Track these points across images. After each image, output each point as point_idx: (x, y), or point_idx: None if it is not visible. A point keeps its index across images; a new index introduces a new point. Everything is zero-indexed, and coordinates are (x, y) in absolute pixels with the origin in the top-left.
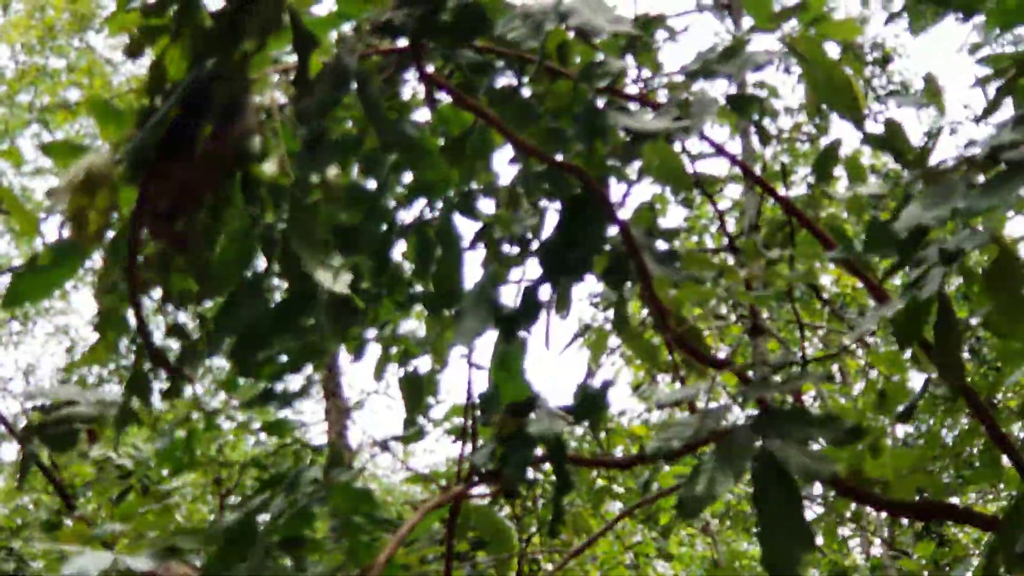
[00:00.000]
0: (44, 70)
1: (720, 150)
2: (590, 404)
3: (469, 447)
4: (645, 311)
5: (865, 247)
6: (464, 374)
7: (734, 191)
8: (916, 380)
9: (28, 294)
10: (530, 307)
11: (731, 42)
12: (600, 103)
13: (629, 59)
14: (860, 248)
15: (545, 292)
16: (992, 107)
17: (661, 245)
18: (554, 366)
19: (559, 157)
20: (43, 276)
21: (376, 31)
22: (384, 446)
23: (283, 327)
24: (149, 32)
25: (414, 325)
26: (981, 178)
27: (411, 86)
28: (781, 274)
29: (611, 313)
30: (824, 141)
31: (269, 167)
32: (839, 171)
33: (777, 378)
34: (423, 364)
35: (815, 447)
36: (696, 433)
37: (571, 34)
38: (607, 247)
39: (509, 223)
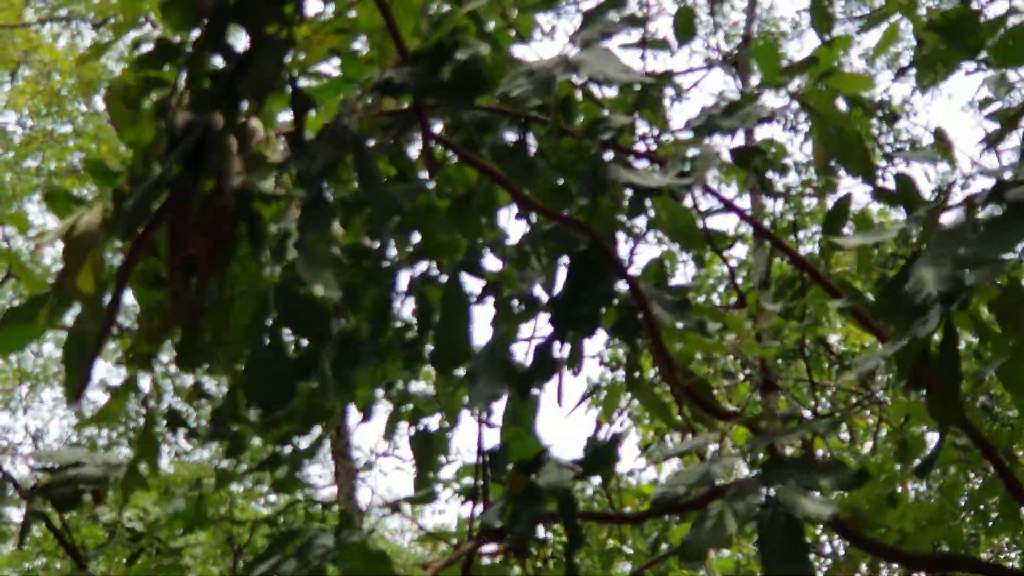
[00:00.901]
0: (51, 135)
1: (729, 205)
2: (600, 457)
3: (480, 507)
4: (656, 368)
5: (876, 311)
6: (475, 432)
7: (741, 251)
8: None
9: (6, 344)
10: (543, 365)
11: (739, 97)
12: (605, 158)
13: (636, 116)
14: (869, 300)
15: (557, 349)
16: (997, 138)
17: (670, 296)
18: (563, 423)
19: (564, 213)
20: (17, 329)
21: (378, 90)
22: (396, 508)
23: (297, 384)
24: (146, 84)
25: (424, 385)
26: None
27: (418, 146)
28: (790, 325)
29: (621, 373)
30: (833, 198)
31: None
32: (849, 228)
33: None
34: (434, 423)
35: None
36: (703, 481)
37: (577, 92)
38: (615, 302)
39: (517, 280)
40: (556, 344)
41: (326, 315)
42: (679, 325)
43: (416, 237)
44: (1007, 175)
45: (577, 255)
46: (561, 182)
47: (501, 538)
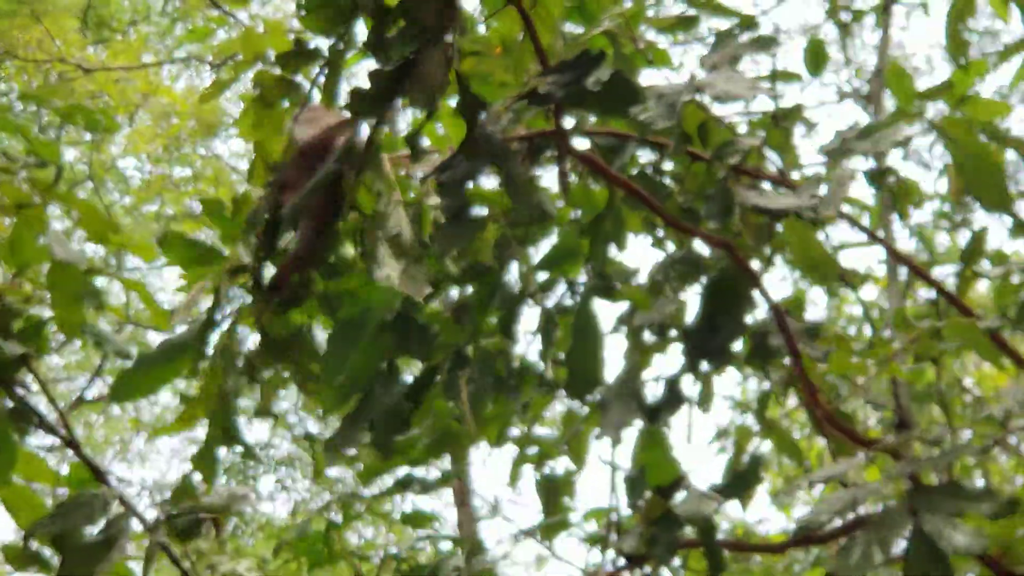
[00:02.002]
0: (170, 179)
1: (867, 232)
2: (742, 481)
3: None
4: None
5: (1022, 310)
6: (601, 476)
7: (871, 292)
8: None
9: (135, 390)
10: (673, 397)
11: (873, 123)
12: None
13: (764, 141)
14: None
15: (688, 382)
16: None
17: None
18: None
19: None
20: (150, 373)
21: (522, 100)
22: (528, 534)
23: (416, 405)
24: (283, 85)
25: (549, 430)
26: None
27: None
28: (932, 344)
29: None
30: (966, 233)
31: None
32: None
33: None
34: (559, 466)
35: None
36: (849, 508)
37: (713, 111)
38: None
39: (650, 309)
40: (687, 376)
41: (434, 336)
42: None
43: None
44: None
45: (712, 282)
46: (691, 206)
47: (639, 564)
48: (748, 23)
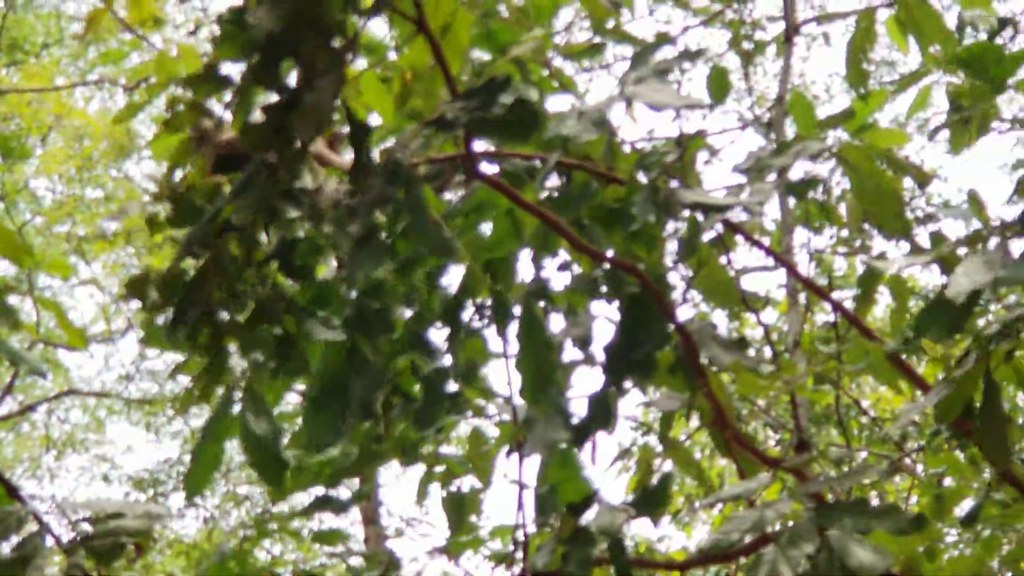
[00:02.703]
0: (82, 200)
1: (772, 254)
2: (651, 498)
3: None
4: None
5: (917, 328)
6: (507, 494)
7: (771, 316)
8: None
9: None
10: (601, 414)
11: (785, 141)
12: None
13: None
14: (911, 335)
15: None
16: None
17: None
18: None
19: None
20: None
21: (430, 126)
22: (438, 553)
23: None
24: (193, 109)
25: (455, 448)
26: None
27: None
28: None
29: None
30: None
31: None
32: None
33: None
34: (466, 484)
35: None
36: (755, 527)
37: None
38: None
39: (567, 329)
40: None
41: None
42: (725, 374)
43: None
44: None
45: (628, 299)
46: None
47: None
48: (663, 41)
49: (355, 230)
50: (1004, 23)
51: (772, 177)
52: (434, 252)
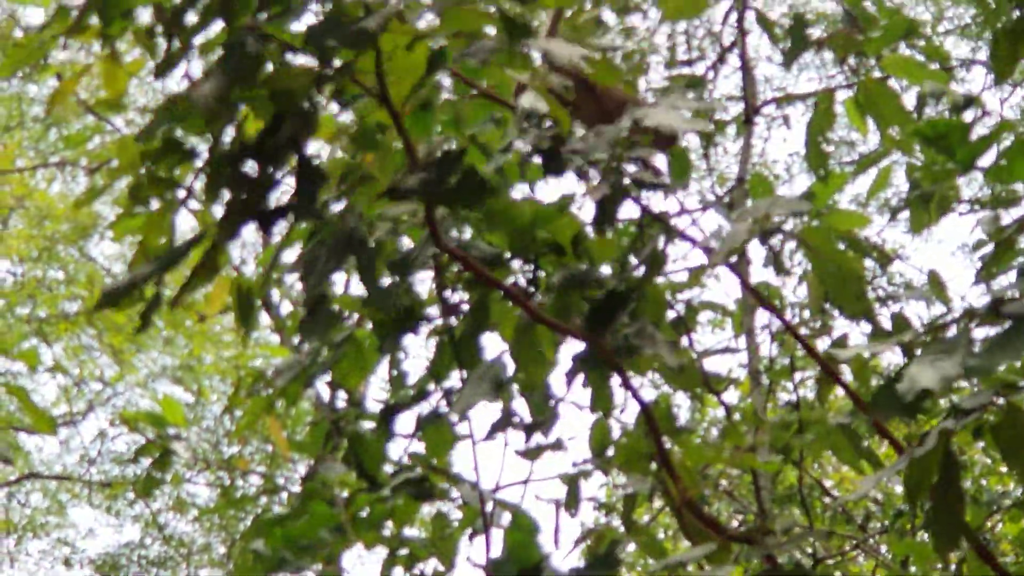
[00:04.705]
0: (43, 282)
1: (755, 289)
2: (600, 564)
3: None
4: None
5: (872, 409)
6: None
7: (734, 396)
8: None
9: None
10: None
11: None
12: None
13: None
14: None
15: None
16: (990, 267)
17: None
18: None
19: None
20: None
21: (383, 195)
22: None
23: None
24: (156, 183)
25: (418, 531)
26: (981, 332)
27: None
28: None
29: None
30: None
31: None
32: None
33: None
34: (429, 567)
35: None
36: None
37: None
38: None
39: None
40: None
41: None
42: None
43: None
44: (1008, 293)
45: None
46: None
47: None
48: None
49: (305, 297)
50: (969, 101)
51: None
52: (379, 324)
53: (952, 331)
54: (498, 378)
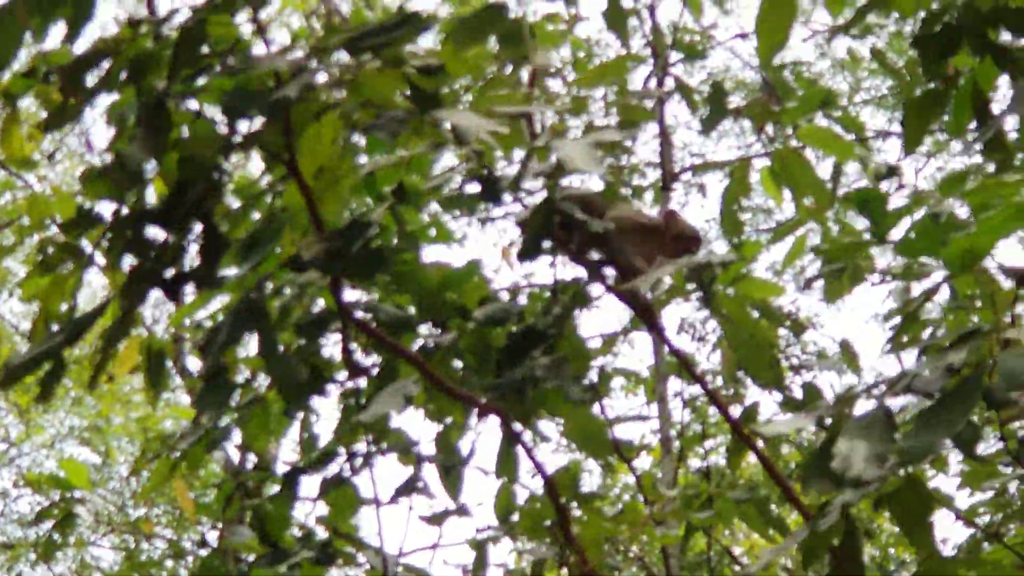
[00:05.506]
0: None
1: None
2: None
3: None
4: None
5: (803, 483)
6: None
7: (646, 461)
8: None
9: None
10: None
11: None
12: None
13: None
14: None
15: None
16: (898, 338)
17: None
18: None
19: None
20: None
21: (284, 266)
22: None
23: None
24: (65, 251)
25: None
26: (896, 402)
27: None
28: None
29: None
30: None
31: None
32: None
33: None
34: None
35: None
36: None
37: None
38: None
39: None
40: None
41: None
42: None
43: None
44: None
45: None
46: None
47: None
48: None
49: (203, 368)
50: (891, 171)
51: None
52: (282, 391)
53: (863, 402)
54: (411, 394)
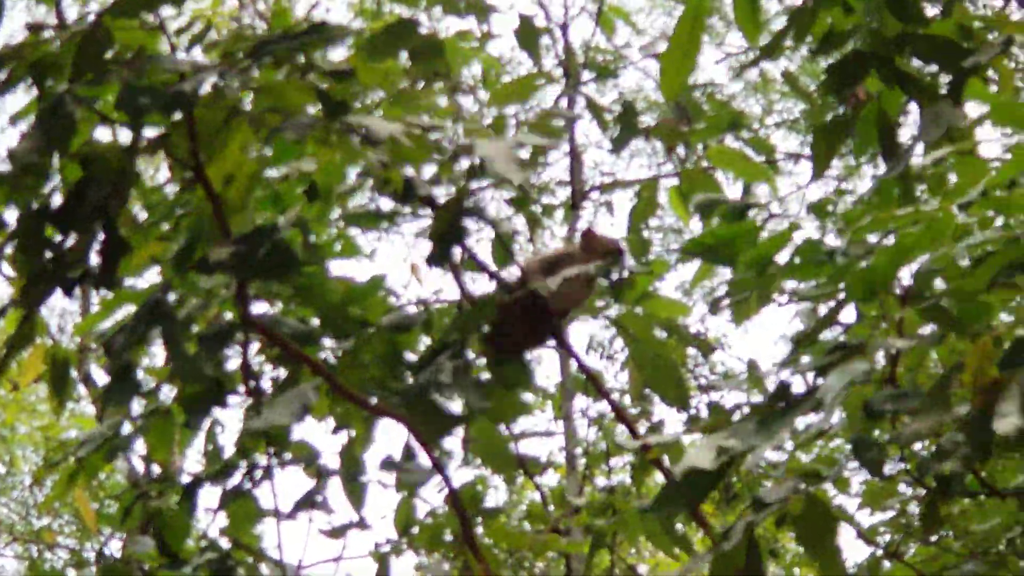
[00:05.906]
0: None
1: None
2: None
3: None
4: None
5: (654, 508)
6: None
7: (552, 478)
8: None
9: None
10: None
11: None
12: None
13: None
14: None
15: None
16: (795, 359)
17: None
18: None
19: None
20: None
21: (196, 269)
22: None
23: None
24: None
25: None
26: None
27: None
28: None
29: None
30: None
31: None
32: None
33: None
34: None
35: None
36: None
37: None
38: None
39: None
40: None
41: None
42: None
43: None
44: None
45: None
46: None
47: None
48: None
49: (109, 366)
50: (746, 207)
51: None
52: (186, 393)
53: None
54: (308, 402)
